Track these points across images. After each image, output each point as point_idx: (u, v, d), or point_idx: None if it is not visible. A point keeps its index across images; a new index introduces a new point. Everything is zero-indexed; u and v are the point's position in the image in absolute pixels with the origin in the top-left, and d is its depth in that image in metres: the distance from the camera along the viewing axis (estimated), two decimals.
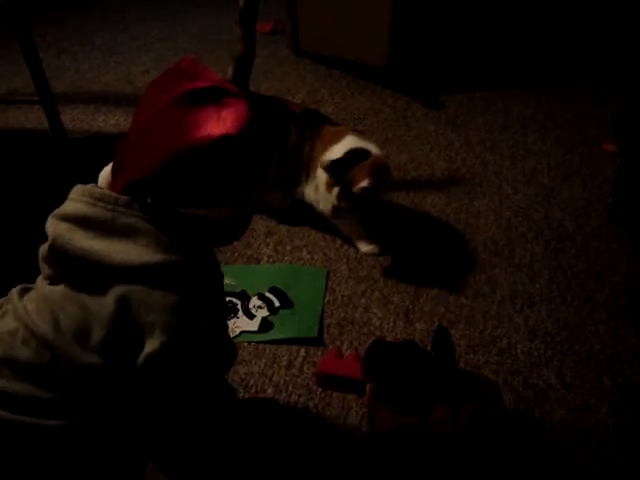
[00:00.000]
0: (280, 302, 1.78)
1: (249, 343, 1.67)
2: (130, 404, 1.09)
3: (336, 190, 1.77)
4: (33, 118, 2.68)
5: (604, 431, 1.46)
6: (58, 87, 2.89)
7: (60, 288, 1.06)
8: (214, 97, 1.01)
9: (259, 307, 1.77)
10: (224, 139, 0.98)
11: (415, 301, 1.80)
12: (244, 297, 1.79)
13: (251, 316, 1.73)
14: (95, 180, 1.09)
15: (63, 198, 1.08)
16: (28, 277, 1.14)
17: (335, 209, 1.81)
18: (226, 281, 1.81)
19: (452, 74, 3.12)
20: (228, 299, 1.78)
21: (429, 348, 1.45)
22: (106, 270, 1.01)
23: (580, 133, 2.61)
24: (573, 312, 1.76)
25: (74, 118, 2.68)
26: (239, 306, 1.76)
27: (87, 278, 1.04)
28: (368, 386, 1.45)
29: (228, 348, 1.17)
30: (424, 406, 1.38)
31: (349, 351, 1.63)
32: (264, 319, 1.72)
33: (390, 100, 2.87)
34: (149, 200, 1.03)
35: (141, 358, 1.03)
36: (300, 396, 1.53)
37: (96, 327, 1.02)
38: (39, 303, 1.06)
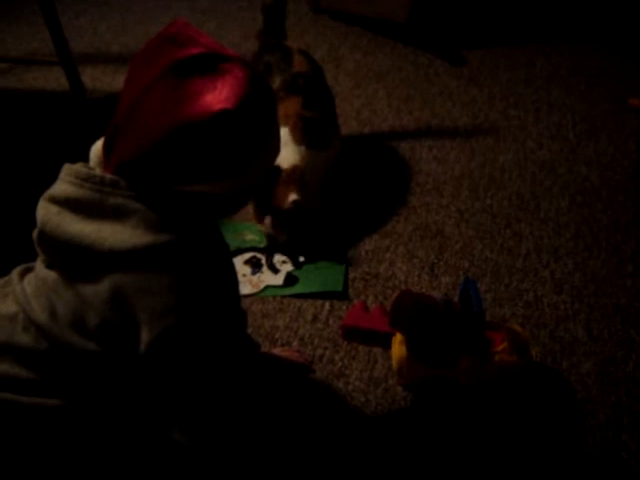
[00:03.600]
0: (305, 257, 1.77)
1: (274, 297, 1.66)
2: (137, 384, 1.08)
3: (268, 219, 1.74)
4: (53, 79, 2.67)
5: (632, 384, 1.45)
6: (77, 48, 2.88)
7: (55, 273, 1.03)
8: (208, 65, 0.95)
9: (283, 262, 1.76)
10: (221, 115, 0.92)
11: (440, 255, 1.78)
12: (268, 252, 1.79)
13: (275, 270, 1.73)
14: None
15: (84, 159, 1.07)
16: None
17: (271, 239, 1.78)
18: (250, 237, 1.82)
19: (474, 29, 3.08)
20: (252, 254, 1.78)
21: (456, 300, 1.44)
22: (97, 256, 0.97)
23: (605, 88, 2.57)
24: (600, 265, 1.74)
25: (94, 78, 2.67)
26: (263, 261, 1.76)
27: (79, 264, 1.00)
28: (394, 338, 1.45)
29: (238, 320, 1.15)
30: (452, 357, 1.37)
31: (374, 305, 1.62)
32: (289, 274, 1.72)
33: (411, 57, 2.83)
34: (142, 179, 0.98)
35: (143, 345, 1.00)
36: (326, 349, 1.53)
37: (91, 315, 1.00)
38: (37, 287, 1.04)
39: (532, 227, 1.87)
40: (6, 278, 1.14)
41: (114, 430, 1.11)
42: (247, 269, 1.73)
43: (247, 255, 1.77)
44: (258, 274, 1.72)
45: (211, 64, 0.95)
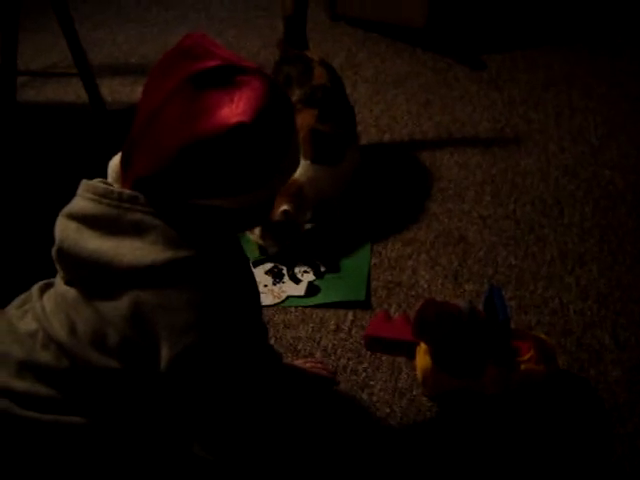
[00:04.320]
0: (326, 266, 1.76)
1: (296, 307, 1.65)
2: (158, 401, 1.07)
3: (258, 229, 1.72)
4: (72, 91, 2.68)
5: None
6: (95, 60, 2.88)
7: (74, 291, 1.03)
8: (225, 77, 0.94)
9: (305, 272, 1.75)
10: (237, 128, 0.91)
11: (463, 262, 1.77)
12: (289, 262, 1.78)
13: (297, 281, 1.72)
14: None
15: (103, 172, 1.06)
16: None
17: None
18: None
19: (492, 33, 3.05)
20: (273, 264, 1.77)
21: (480, 308, 1.42)
22: (116, 273, 0.97)
23: (626, 89, 2.53)
24: (625, 271, 1.72)
25: (112, 90, 2.67)
26: (284, 271, 1.75)
27: (99, 281, 1.00)
28: (418, 348, 1.43)
29: (259, 334, 1.15)
30: (477, 367, 1.35)
31: (397, 314, 1.61)
32: (310, 283, 1.71)
33: (430, 62, 2.81)
34: (160, 194, 0.98)
35: (164, 362, 0.99)
36: (349, 360, 1.52)
37: (111, 332, 0.99)
38: (57, 304, 1.04)
39: (556, 233, 1.85)
40: (26, 294, 1.14)
41: (136, 447, 1.10)
42: (269, 279, 1.72)
43: (268, 265, 1.76)
44: (279, 284, 1.71)
45: (228, 76, 0.94)
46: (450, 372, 1.36)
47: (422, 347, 1.41)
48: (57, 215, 1.05)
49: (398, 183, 2.08)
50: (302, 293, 1.69)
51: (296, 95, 1.93)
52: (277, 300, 1.67)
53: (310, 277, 1.73)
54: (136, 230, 0.97)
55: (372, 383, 1.47)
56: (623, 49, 2.84)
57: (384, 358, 1.52)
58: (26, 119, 2.51)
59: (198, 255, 0.98)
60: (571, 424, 1.36)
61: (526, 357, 1.36)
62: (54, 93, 2.69)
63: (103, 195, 0.99)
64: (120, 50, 3.05)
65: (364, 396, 1.44)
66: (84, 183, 1.04)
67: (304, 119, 1.85)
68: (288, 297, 1.68)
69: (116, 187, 1.01)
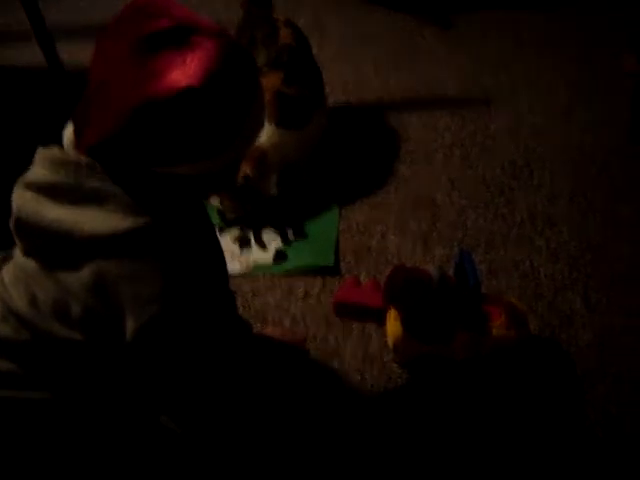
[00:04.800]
0: (294, 232, 1.73)
1: (264, 275, 1.62)
2: (123, 373, 1.04)
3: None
4: (29, 53, 2.58)
5: (632, 353, 1.42)
6: (53, 20, 2.78)
7: (33, 262, 0.99)
8: (178, 38, 0.89)
9: (272, 238, 1.71)
10: (186, 92, 0.87)
11: (432, 226, 1.75)
12: (255, 227, 1.74)
13: (264, 246, 1.69)
14: None
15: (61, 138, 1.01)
16: None
17: (220, 213, 1.72)
18: None
19: None
20: (240, 231, 1.72)
21: (451, 273, 1.40)
22: (77, 243, 0.93)
23: (596, 50, 2.50)
24: (595, 232, 1.71)
25: (71, 52, 2.58)
26: (251, 237, 1.71)
27: (59, 252, 0.96)
28: (388, 314, 1.41)
29: (227, 302, 1.13)
30: (448, 333, 1.34)
31: (367, 279, 1.58)
32: (278, 250, 1.67)
33: (399, 22, 2.73)
34: (115, 162, 0.94)
35: (129, 333, 0.96)
36: (319, 327, 1.50)
37: (74, 303, 0.96)
38: (16, 276, 1.01)
39: (526, 195, 1.83)
40: None
41: (102, 420, 1.07)
42: (235, 247, 1.69)
43: (235, 232, 1.72)
44: (247, 252, 1.68)
45: (181, 37, 0.89)
46: (420, 338, 1.35)
47: (392, 313, 1.39)
48: (12, 185, 1.01)
49: (366, 146, 2.04)
50: (270, 260, 1.66)
51: (261, 57, 1.87)
52: (245, 269, 1.64)
53: (278, 244, 1.70)
54: (95, 198, 0.93)
55: (342, 351, 1.45)
56: (593, 9, 2.80)
57: (354, 325, 1.50)
58: None
59: (160, 223, 0.95)
60: (543, 389, 1.36)
61: (497, 322, 1.35)
62: (10, 56, 2.59)
63: (60, 164, 0.95)
64: (78, 9, 2.95)
65: (335, 364, 1.43)
66: (41, 152, 1.00)
67: (269, 81, 1.80)
68: (256, 265, 1.65)
69: (73, 155, 0.96)
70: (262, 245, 1.69)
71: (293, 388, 1.37)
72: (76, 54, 2.53)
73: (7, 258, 1.07)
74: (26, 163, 1.01)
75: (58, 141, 1.01)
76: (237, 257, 1.66)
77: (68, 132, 1.00)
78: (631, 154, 1.95)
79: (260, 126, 1.04)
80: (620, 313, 1.50)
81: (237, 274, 1.62)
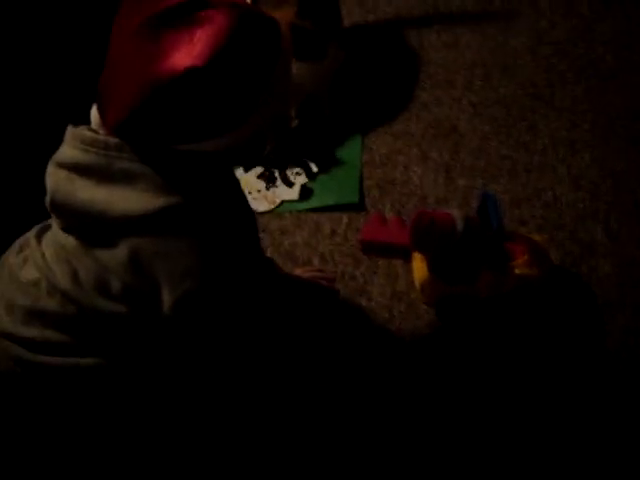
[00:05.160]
0: (318, 166, 1.75)
1: (290, 212, 1.66)
2: (165, 336, 1.10)
3: None
4: None
5: None
6: None
7: (72, 239, 1.03)
8: (189, 14, 0.89)
9: (297, 173, 1.74)
10: (191, 72, 0.87)
11: (455, 155, 1.76)
12: (280, 164, 1.76)
13: (290, 184, 1.72)
14: None
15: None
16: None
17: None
18: None
19: None
20: (264, 168, 1.75)
21: (473, 211, 1.43)
22: (111, 223, 0.97)
23: None
24: (617, 157, 1.72)
25: None
26: (276, 174, 1.74)
27: (95, 230, 1.00)
28: (414, 254, 1.46)
29: (258, 262, 1.17)
30: (472, 274, 1.39)
31: (391, 215, 1.62)
32: (303, 186, 1.71)
33: None
34: (140, 141, 0.96)
35: (166, 306, 1.01)
36: (346, 265, 1.55)
37: (113, 279, 1.00)
38: (57, 253, 1.04)
39: (547, 119, 1.82)
40: (22, 239, 1.14)
41: (145, 382, 1.15)
42: (261, 184, 1.72)
43: (260, 169, 1.74)
44: (273, 189, 1.71)
45: (192, 13, 0.89)
46: (446, 280, 1.40)
47: (418, 255, 1.44)
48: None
49: (385, 70, 2.01)
50: (296, 197, 1.69)
51: None
52: (272, 206, 1.68)
53: (302, 179, 1.73)
54: (126, 178, 0.96)
55: (370, 288, 1.51)
56: None
57: (380, 262, 1.55)
58: None
59: (191, 200, 0.98)
60: (564, 321, 1.42)
61: (520, 261, 1.39)
62: None
63: (90, 144, 0.98)
64: None
65: (363, 302, 1.49)
66: (71, 131, 1.03)
67: (283, 15, 1.76)
68: (283, 202, 1.69)
69: (101, 135, 0.99)
70: (288, 182, 1.72)
71: (325, 326, 1.43)
72: None
73: (45, 229, 1.12)
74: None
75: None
76: (263, 194, 1.70)
77: (94, 110, 1.03)
78: None
79: (285, 93, 1.05)
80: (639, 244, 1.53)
81: (264, 211, 1.66)
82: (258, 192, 1.70)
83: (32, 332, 1.05)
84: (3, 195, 1.62)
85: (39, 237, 1.10)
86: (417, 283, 1.44)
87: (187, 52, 0.88)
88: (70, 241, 1.03)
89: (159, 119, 0.93)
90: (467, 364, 1.36)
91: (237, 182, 1.12)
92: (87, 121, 1.03)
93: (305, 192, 1.70)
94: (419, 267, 1.42)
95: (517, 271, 1.38)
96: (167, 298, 1.01)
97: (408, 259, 1.51)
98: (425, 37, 2.10)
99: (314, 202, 1.68)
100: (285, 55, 1.01)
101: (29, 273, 1.06)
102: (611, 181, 1.66)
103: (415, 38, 2.10)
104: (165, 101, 0.91)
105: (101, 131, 0.99)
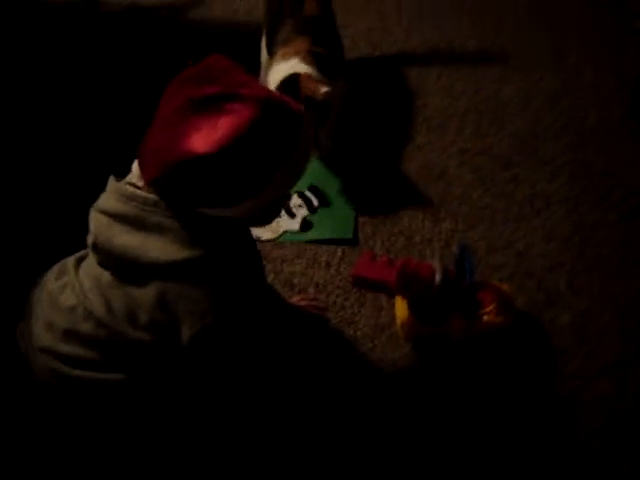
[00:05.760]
0: (319, 201, 1.94)
1: (291, 243, 1.85)
2: (182, 360, 1.28)
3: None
4: None
5: (603, 336, 1.65)
6: None
7: (108, 275, 1.21)
8: (217, 104, 1.04)
9: (299, 206, 1.93)
10: (203, 157, 1.04)
11: (442, 200, 1.94)
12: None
13: (292, 215, 1.90)
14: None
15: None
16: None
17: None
18: None
19: None
20: None
21: (454, 254, 1.62)
22: (142, 266, 1.15)
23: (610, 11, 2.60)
24: (587, 213, 1.91)
25: None
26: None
27: (128, 271, 1.18)
28: (397, 297, 1.65)
29: (267, 300, 1.36)
30: (446, 317, 1.58)
31: (382, 253, 1.81)
32: (304, 219, 1.89)
33: None
34: (170, 200, 1.14)
35: (185, 338, 1.19)
36: (338, 296, 1.73)
37: (141, 313, 1.18)
38: (93, 283, 1.22)
39: (529, 170, 2.02)
40: (60, 265, 1.33)
41: (162, 395, 1.35)
42: None
43: None
44: (276, 219, 1.89)
45: (220, 103, 1.05)
46: (423, 320, 1.59)
47: (400, 297, 1.63)
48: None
49: (384, 109, 2.21)
50: (297, 228, 1.88)
51: (289, 25, 2.02)
52: (275, 235, 1.86)
53: (304, 212, 1.91)
54: (158, 230, 1.15)
55: (357, 319, 1.69)
56: None
57: (368, 295, 1.74)
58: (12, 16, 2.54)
59: (211, 254, 1.16)
60: (522, 363, 1.61)
61: (488, 309, 1.58)
62: None
63: (130, 198, 1.17)
64: None
65: (350, 331, 1.67)
66: (113, 184, 1.21)
67: (299, 45, 1.96)
68: (284, 232, 1.87)
69: (141, 190, 1.17)
70: (290, 214, 1.91)
71: (313, 353, 1.62)
72: None
73: (82, 258, 1.30)
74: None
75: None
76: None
77: (135, 164, 1.21)
78: (629, 132, 2.12)
79: (297, 171, 1.20)
80: (598, 298, 1.71)
81: (268, 239, 1.85)
82: None
83: (69, 349, 1.23)
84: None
85: (77, 266, 1.29)
86: (398, 321, 1.63)
87: (207, 137, 1.04)
88: (106, 275, 1.22)
89: (179, 187, 1.11)
90: (436, 395, 1.55)
91: (250, 236, 1.31)
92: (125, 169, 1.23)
93: (305, 224, 1.89)
94: (400, 306, 1.61)
95: (485, 318, 1.57)
96: (186, 331, 1.20)
97: (392, 295, 1.70)
98: (424, 79, 2.30)
99: (313, 234, 1.87)
100: (303, 139, 1.16)
101: (68, 299, 1.24)
102: (580, 236, 1.85)
103: (415, 79, 2.30)
104: (183, 175, 1.08)
105: (140, 183, 1.18)
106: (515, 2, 2.67)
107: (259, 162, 1.10)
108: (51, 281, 1.30)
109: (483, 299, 1.60)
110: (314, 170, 2.03)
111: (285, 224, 1.89)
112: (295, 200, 1.94)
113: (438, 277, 1.51)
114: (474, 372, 1.59)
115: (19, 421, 1.40)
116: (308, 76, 1.83)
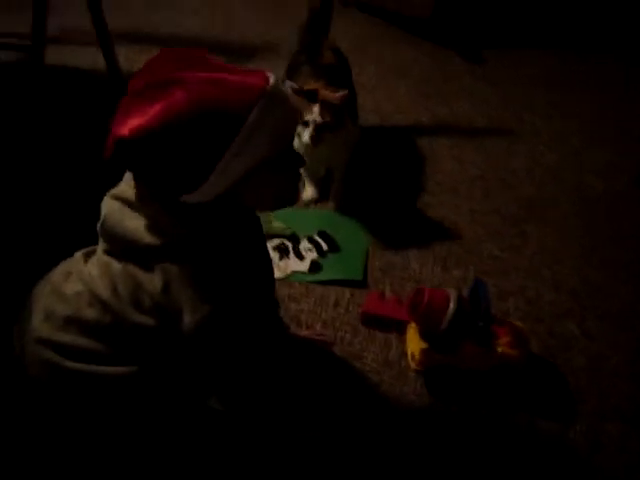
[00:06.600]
0: (328, 246, 1.94)
1: (300, 282, 1.83)
2: (184, 353, 1.24)
3: (316, 107, 1.87)
4: (89, 58, 2.72)
5: (616, 377, 1.63)
6: (110, 25, 2.96)
7: (116, 262, 1.19)
8: (162, 89, 1.03)
9: (309, 250, 1.93)
10: (122, 140, 1.04)
11: (452, 251, 1.95)
12: (295, 239, 1.95)
13: (301, 257, 1.90)
14: None
15: None
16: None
17: (318, 129, 1.90)
18: (277, 224, 1.98)
19: (494, 29, 3.21)
20: (280, 241, 1.94)
21: (465, 293, 1.61)
22: (143, 248, 1.14)
23: (615, 94, 2.71)
24: (596, 271, 1.92)
25: (128, 58, 2.78)
26: (290, 247, 1.93)
27: (134, 255, 1.16)
28: (409, 325, 1.62)
29: (268, 306, 1.34)
30: (459, 346, 1.54)
31: (390, 293, 1.79)
32: (313, 261, 1.89)
33: (433, 53, 2.97)
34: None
35: (186, 326, 1.15)
36: (346, 332, 1.70)
37: (146, 297, 1.15)
38: (102, 270, 1.20)
39: (537, 229, 2.04)
40: (68, 261, 1.32)
41: (166, 395, 1.29)
42: (275, 255, 1.90)
43: (275, 241, 1.93)
44: (285, 260, 1.89)
45: (164, 88, 1.04)
46: (436, 349, 1.55)
47: (413, 326, 1.60)
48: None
49: (397, 171, 2.26)
50: (305, 270, 1.87)
51: (305, 72, 2.11)
52: (282, 275, 1.85)
53: (313, 255, 1.91)
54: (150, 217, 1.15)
55: (365, 354, 1.65)
56: (618, 59, 3.01)
57: (377, 333, 1.70)
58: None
59: (192, 238, 1.14)
60: (538, 403, 1.56)
61: (503, 340, 1.55)
62: (70, 58, 2.75)
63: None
64: (135, 15, 3.16)
65: (357, 365, 1.63)
66: (128, 174, 1.21)
67: (314, 86, 2.02)
68: (293, 272, 1.86)
69: None
70: (299, 256, 1.90)
71: (319, 385, 1.57)
72: (133, 59, 2.75)
73: (91, 252, 1.28)
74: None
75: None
76: (276, 264, 1.87)
77: None
78: (636, 199, 2.16)
79: (253, 155, 1.11)
80: (610, 344, 1.70)
81: (276, 278, 1.82)
82: (272, 261, 1.87)
83: (66, 338, 1.20)
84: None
85: (86, 258, 1.28)
86: (409, 351, 1.59)
87: (140, 118, 1.03)
88: (114, 264, 1.19)
89: (128, 169, 1.14)
90: (443, 428, 1.49)
91: (255, 226, 1.31)
92: None
93: (314, 266, 1.88)
94: (412, 336, 1.58)
95: (499, 349, 1.54)
96: (187, 318, 1.15)
97: (402, 332, 1.67)
98: (435, 149, 2.36)
99: (322, 276, 1.86)
100: (249, 131, 1.08)
101: (73, 286, 1.23)
102: (588, 289, 1.85)
103: (427, 147, 2.36)
104: (121, 157, 1.07)
105: None
106: (524, 82, 2.77)
107: (193, 149, 1.07)
108: (57, 274, 1.29)
109: (498, 331, 1.57)
110: (324, 216, 2.05)
111: (293, 265, 1.88)
112: (304, 244, 1.94)
113: (452, 304, 1.49)
114: (485, 410, 1.54)
115: (15, 422, 1.34)
116: (325, 87, 1.91)
